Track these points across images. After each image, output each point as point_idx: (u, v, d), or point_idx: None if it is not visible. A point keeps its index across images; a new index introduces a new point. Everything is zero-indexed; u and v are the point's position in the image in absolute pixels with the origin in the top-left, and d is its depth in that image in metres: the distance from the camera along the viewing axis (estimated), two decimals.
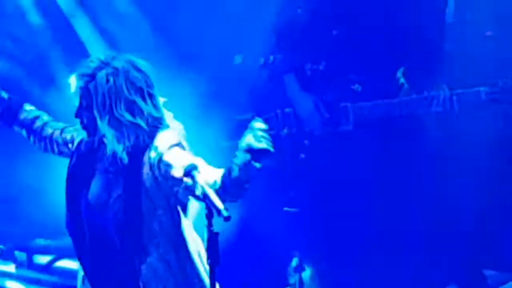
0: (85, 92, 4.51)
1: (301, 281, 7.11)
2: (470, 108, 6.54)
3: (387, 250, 6.88)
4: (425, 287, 7.00)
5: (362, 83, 6.89)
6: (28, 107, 5.18)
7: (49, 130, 5.04)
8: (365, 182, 6.71)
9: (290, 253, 7.20)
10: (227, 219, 3.98)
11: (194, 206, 4.73)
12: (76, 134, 4.87)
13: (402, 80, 7.13)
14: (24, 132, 5.18)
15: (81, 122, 4.66)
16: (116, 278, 4.73)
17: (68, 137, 4.91)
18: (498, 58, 6.88)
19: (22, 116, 5.16)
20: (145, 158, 4.53)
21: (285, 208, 6.31)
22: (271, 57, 7.14)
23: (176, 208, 4.60)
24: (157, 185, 4.52)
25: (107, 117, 4.49)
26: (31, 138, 5.17)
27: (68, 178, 4.74)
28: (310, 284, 7.14)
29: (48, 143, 5.05)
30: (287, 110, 7.08)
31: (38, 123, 5.10)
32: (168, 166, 4.42)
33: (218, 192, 4.29)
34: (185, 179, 4.30)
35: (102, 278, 4.75)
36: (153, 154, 4.49)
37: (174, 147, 4.50)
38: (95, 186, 4.67)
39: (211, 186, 4.33)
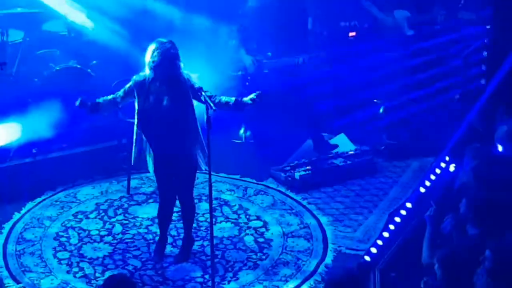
0: (164, 56, 6.20)
1: (245, 137, 10.22)
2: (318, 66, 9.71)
3: (284, 122, 9.65)
4: (296, 140, 9.92)
5: (272, 52, 10.00)
6: (103, 99, 6.69)
7: (120, 98, 6.63)
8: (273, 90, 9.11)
9: (241, 124, 10.20)
10: (215, 111, 6.22)
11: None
12: (132, 84, 6.47)
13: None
14: (111, 110, 6.92)
15: (155, 72, 6.15)
16: (171, 145, 6.46)
17: (127, 88, 6.59)
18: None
19: (106, 104, 6.68)
20: (187, 86, 6.29)
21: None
22: (233, 41, 9.91)
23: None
24: (192, 97, 6.36)
25: (175, 69, 6.28)
26: (115, 109, 6.89)
27: (141, 101, 6.40)
28: (249, 137, 10.23)
29: (121, 103, 6.63)
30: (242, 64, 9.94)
31: (116, 101, 6.64)
32: (195, 89, 6.29)
33: (218, 104, 6.10)
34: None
35: (163, 143, 6.42)
36: (191, 84, 6.33)
37: (196, 83, 6.28)
38: (158, 101, 6.35)
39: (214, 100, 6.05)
